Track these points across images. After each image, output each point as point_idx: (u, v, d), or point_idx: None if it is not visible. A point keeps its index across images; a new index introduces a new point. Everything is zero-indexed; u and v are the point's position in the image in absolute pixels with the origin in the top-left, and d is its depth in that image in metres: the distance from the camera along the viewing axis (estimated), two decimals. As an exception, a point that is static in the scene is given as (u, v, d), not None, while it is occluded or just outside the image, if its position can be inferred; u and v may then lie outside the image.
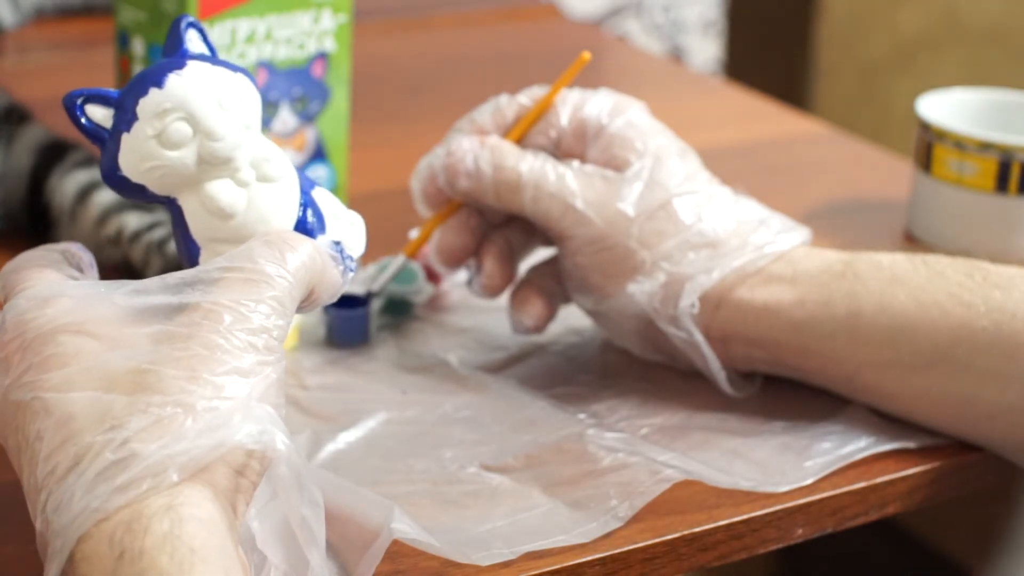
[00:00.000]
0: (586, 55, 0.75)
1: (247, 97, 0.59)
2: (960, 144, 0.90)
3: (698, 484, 0.67)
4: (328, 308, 0.78)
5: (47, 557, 0.51)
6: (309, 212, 0.60)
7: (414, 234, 0.78)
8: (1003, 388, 0.69)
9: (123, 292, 0.56)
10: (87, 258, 0.61)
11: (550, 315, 0.76)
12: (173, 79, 0.57)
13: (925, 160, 0.93)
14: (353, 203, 0.94)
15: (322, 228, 0.60)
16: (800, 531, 0.68)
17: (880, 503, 0.70)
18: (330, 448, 0.69)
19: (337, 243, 0.60)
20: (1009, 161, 0.89)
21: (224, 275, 0.55)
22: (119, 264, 0.82)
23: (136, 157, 0.57)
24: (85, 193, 0.84)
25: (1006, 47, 1.77)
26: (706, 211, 0.73)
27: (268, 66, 0.87)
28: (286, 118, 0.89)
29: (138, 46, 0.88)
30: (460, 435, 0.71)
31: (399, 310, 0.81)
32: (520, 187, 0.73)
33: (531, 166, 0.73)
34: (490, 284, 0.76)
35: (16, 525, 0.63)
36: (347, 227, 0.61)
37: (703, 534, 0.65)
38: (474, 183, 0.74)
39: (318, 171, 0.91)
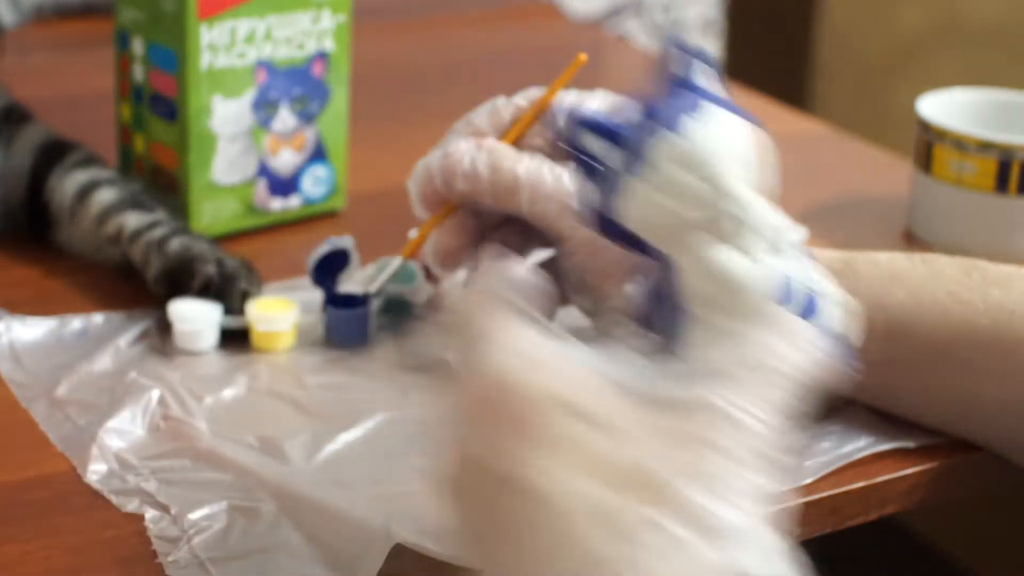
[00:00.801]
0: (583, 56, 0.75)
1: (764, 154, 0.52)
2: (960, 144, 0.90)
3: (697, 484, 0.67)
4: (327, 308, 0.78)
5: None
6: (807, 290, 0.53)
7: (414, 234, 0.78)
8: (1002, 386, 0.68)
9: (622, 370, 0.50)
10: (542, 286, 0.54)
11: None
12: (694, 127, 0.50)
13: (925, 160, 0.93)
14: (353, 203, 0.94)
15: (815, 310, 0.53)
16: (799, 531, 0.68)
17: (880, 503, 0.70)
18: (330, 448, 0.69)
19: (831, 329, 0.53)
20: (1009, 161, 0.89)
21: (741, 372, 0.49)
22: (119, 263, 0.82)
23: (640, 205, 0.51)
24: (85, 192, 0.84)
25: (1006, 47, 1.77)
26: (705, 211, 0.73)
27: (268, 66, 0.87)
28: (286, 118, 0.89)
29: (138, 46, 0.88)
30: (460, 435, 0.71)
31: (399, 310, 0.81)
32: (517, 188, 0.73)
33: (528, 167, 0.73)
34: (488, 285, 0.76)
35: (16, 525, 0.63)
36: (835, 307, 0.55)
37: (702, 534, 0.65)
38: (471, 185, 0.74)
39: (318, 171, 0.91)
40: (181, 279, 0.77)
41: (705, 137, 0.50)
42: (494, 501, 0.47)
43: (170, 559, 0.61)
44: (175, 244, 0.79)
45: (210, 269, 0.77)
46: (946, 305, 0.69)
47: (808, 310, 0.52)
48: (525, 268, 0.54)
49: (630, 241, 0.52)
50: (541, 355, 0.49)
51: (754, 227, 0.51)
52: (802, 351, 0.50)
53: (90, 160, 0.87)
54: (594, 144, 0.52)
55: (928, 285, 0.70)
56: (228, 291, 0.77)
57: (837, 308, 0.54)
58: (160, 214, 0.82)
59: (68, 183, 0.85)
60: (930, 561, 1.29)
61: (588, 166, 0.52)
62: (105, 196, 0.83)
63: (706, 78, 0.53)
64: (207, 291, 0.77)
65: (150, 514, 0.63)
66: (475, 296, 0.53)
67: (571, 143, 0.52)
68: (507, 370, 0.49)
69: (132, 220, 0.82)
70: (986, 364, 0.68)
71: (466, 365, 0.50)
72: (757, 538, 0.46)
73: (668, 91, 0.53)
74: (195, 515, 0.63)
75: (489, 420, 0.48)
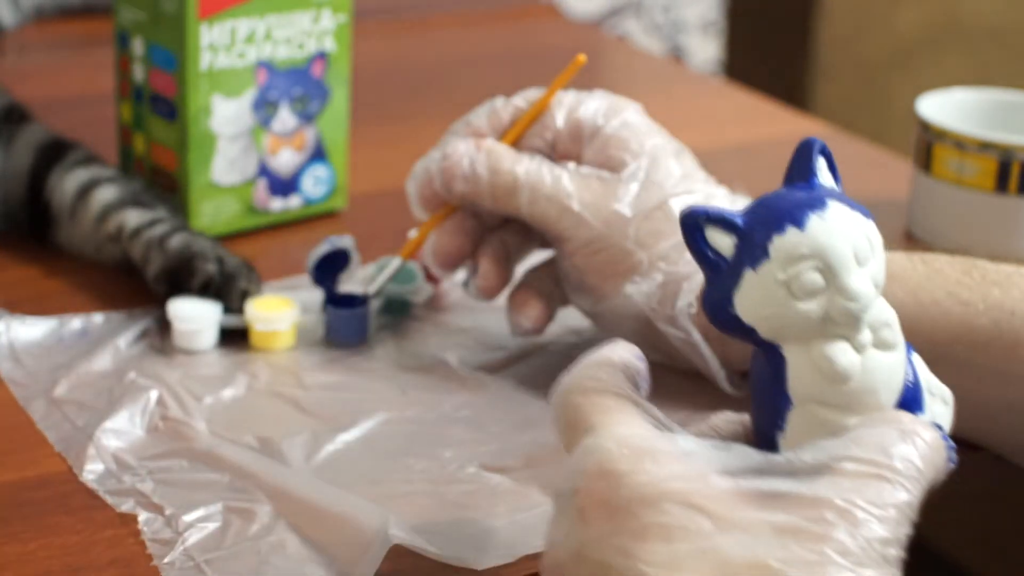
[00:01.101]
0: (582, 57, 0.75)
1: (878, 250, 0.53)
2: (960, 144, 0.90)
3: (697, 484, 0.67)
4: (327, 307, 0.78)
5: None
6: (914, 386, 0.54)
7: (413, 234, 0.78)
8: (1002, 386, 0.68)
9: (733, 462, 0.49)
10: (643, 370, 0.54)
11: (548, 317, 0.76)
12: (816, 222, 0.51)
13: (925, 160, 0.93)
14: (353, 203, 0.94)
15: (922, 405, 0.54)
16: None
17: (879, 503, 0.69)
18: (329, 448, 0.69)
19: (939, 426, 0.54)
20: (1009, 161, 0.89)
21: (853, 467, 0.49)
22: (119, 261, 0.82)
23: (757, 299, 0.52)
24: (85, 191, 0.84)
25: (1007, 47, 1.77)
26: (704, 211, 0.73)
27: (268, 66, 0.87)
28: (286, 118, 0.89)
29: (138, 46, 0.88)
30: (460, 435, 0.71)
31: (398, 310, 0.81)
32: (516, 190, 0.73)
33: (527, 168, 0.73)
34: (486, 286, 0.76)
35: (16, 525, 0.63)
36: (939, 403, 0.55)
37: (702, 534, 0.65)
38: (470, 186, 0.74)
39: (318, 171, 0.91)
40: (181, 277, 0.78)
41: (823, 231, 0.51)
42: None
43: (165, 561, 0.60)
44: (176, 241, 0.79)
45: (211, 267, 0.77)
46: (946, 305, 0.69)
47: (915, 405, 0.54)
48: (629, 352, 0.54)
49: (744, 332, 0.53)
50: (652, 447, 0.49)
51: (869, 322, 0.52)
52: (919, 450, 0.51)
53: (90, 159, 0.87)
54: (715, 237, 0.53)
55: (928, 285, 0.70)
56: (228, 290, 0.77)
57: (939, 402, 0.55)
58: (160, 212, 0.82)
59: (68, 182, 0.85)
60: (930, 560, 1.29)
61: (708, 258, 0.53)
62: (105, 194, 0.83)
63: (824, 171, 0.55)
64: (207, 289, 0.77)
65: (143, 516, 0.63)
66: (582, 385, 0.52)
67: (692, 236, 0.53)
68: (618, 463, 0.48)
69: (132, 218, 0.82)
70: (985, 364, 0.68)
71: (575, 457, 0.50)
72: None
73: (790, 185, 0.54)
74: (190, 516, 0.63)
75: (601, 514, 0.48)
